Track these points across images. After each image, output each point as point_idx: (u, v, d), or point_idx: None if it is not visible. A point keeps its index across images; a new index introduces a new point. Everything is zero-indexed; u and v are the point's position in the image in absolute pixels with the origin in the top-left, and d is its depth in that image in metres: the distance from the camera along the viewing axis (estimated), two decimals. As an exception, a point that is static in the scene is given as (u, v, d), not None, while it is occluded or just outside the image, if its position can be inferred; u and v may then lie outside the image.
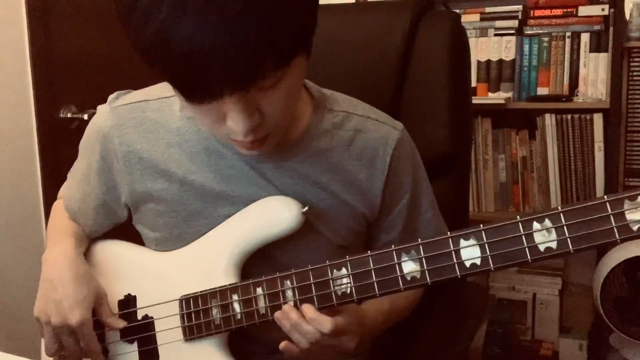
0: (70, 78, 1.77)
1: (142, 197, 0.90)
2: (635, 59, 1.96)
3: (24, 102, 1.67)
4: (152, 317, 0.89)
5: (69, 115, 1.76)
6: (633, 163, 2.00)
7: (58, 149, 1.73)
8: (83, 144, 0.96)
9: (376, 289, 0.75)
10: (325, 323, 0.76)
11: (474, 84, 2.12)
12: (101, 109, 0.92)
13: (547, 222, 0.67)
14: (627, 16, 1.96)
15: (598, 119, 1.99)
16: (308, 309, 0.77)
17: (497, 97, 2.08)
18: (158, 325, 0.89)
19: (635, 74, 1.97)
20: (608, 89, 1.96)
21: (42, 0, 1.68)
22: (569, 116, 2.02)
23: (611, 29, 1.96)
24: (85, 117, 1.75)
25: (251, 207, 0.86)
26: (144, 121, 0.89)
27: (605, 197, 0.64)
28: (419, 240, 0.73)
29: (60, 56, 1.74)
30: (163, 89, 0.91)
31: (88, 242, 0.99)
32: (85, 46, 1.79)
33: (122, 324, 0.90)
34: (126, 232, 0.98)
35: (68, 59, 1.76)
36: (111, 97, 0.93)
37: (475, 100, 2.04)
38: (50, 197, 1.72)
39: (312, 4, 0.71)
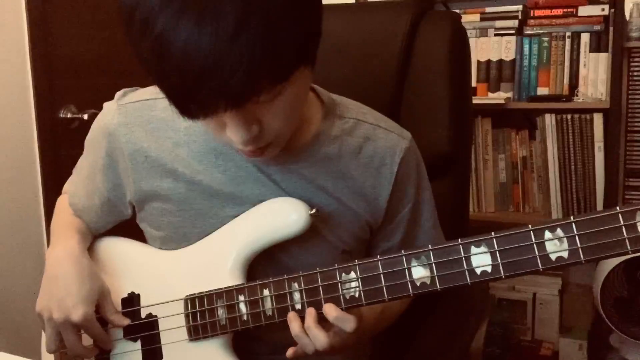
0: (70, 78, 1.77)
1: (147, 196, 0.90)
2: (635, 59, 1.96)
3: (24, 102, 1.67)
4: (156, 316, 0.89)
5: (69, 115, 1.76)
6: (633, 163, 2.00)
7: (58, 149, 1.73)
8: (89, 140, 0.95)
9: (385, 294, 0.75)
10: (350, 321, 0.75)
11: (474, 84, 2.12)
12: (108, 106, 0.92)
13: (559, 232, 0.66)
14: (627, 16, 1.96)
15: (598, 119, 1.99)
16: (330, 308, 0.76)
17: (497, 97, 2.08)
18: (162, 324, 0.89)
19: (635, 74, 1.97)
20: (608, 89, 1.96)
21: (42, 1, 1.68)
22: (569, 116, 2.02)
23: (611, 29, 1.96)
24: (85, 117, 1.75)
25: (258, 207, 0.85)
26: (151, 119, 0.88)
27: (618, 208, 0.64)
28: (429, 245, 0.72)
29: (60, 56, 1.74)
30: None
31: (92, 238, 0.99)
32: (85, 46, 1.80)
33: (125, 321, 0.90)
34: (130, 229, 0.98)
35: (68, 59, 1.77)
36: (118, 94, 0.92)
37: (475, 100, 2.04)
38: (50, 197, 1.72)
39: (312, 17, 0.69)
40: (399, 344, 1.02)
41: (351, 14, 1.25)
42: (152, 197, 0.89)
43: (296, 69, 0.68)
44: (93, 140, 0.94)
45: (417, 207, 0.94)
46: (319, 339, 0.75)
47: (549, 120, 2.04)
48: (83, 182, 0.98)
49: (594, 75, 2.00)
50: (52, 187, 1.72)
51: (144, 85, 0.94)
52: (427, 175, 0.96)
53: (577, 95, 2.01)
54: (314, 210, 0.83)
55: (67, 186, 1.04)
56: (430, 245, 0.72)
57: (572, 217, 0.66)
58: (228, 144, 0.77)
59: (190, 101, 0.66)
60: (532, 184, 2.12)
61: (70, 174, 1.04)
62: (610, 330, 1.86)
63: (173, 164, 0.87)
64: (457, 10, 2.10)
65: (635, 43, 1.94)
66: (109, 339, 0.90)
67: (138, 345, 0.90)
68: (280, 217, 0.84)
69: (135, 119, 0.89)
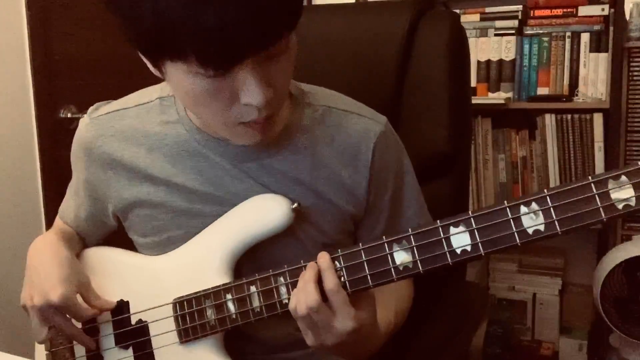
0: (70, 78, 1.77)
1: (129, 204, 0.90)
2: (635, 59, 1.96)
3: (24, 102, 1.67)
4: (146, 322, 0.89)
5: (69, 115, 1.76)
6: (633, 163, 2.00)
7: (58, 149, 1.73)
8: (72, 157, 0.97)
9: (369, 281, 0.75)
10: (333, 278, 0.74)
11: (474, 84, 2.12)
12: (82, 121, 0.93)
13: (534, 206, 0.67)
14: (627, 16, 1.96)
15: (598, 119, 1.99)
16: (324, 257, 0.76)
17: (497, 97, 2.08)
18: (153, 329, 0.88)
19: (635, 74, 1.97)
20: (608, 89, 1.96)
21: (42, 0, 1.68)
22: (569, 116, 2.02)
23: (611, 29, 1.96)
24: (85, 117, 1.75)
25: (241, 206, 0.85)
26: (123, 128, 0.89)
27: (590, 177, 0.65)
28: (409, 230, 0.73)
29: (60, 56, 1.74)
30: (141, 96, 0.92)
31: (79, 241, 0.99)
32: (85, 46, 1.80)
33: (111, 305, 0.89)
34: (122, 241, 0.98)
35: (68, 59, 1.77)
36: (91, 108, 0.94)
37: (475, 100, 2.04)
38: (50, 197, 1.72)
39: None
40: (398, 344, 1.02)
41: (351, 14, 1.25)
42: (134, 205, 0.90)
43: (297, 21, 0.71)
44: (74, 156, 0.96)
45: (398, 194, 0.92)
46: (311, 295, 0.74)
47: (549, 120, 2.04)
48: (72, 198, 1.00)
49: (594, 75, 2.00)
50: (52, 187, 1.73)
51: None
52: (409, 159, 0.94)
53: (577, 95, 2.01)
54: (295, 204, 0.83)
55: (61, 204, 1.05)
56: (410, 229, 0.73)
57: (545, 191, 0.67)
58: (234, 123, 0.76)
59: (222, 51, 0.66)
60: (532, 184, 2.12)
61: (70, 173, 1.05)
62: (610, 330, 1.86)
63: (149, 170, 0.88)
64: (457, 10, 2.09)
65: (635, 43, 1.94)
66: (92, 314, 0.88)
67: (130, 352, 0.90)
68: (264, 213, 0.84)
69: (108, 130, 0.90)
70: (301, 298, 0.75)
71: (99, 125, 0.91)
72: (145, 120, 0.89)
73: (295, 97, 0.89)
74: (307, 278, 0.75)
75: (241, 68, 0.69)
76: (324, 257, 0.76)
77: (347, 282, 0.76)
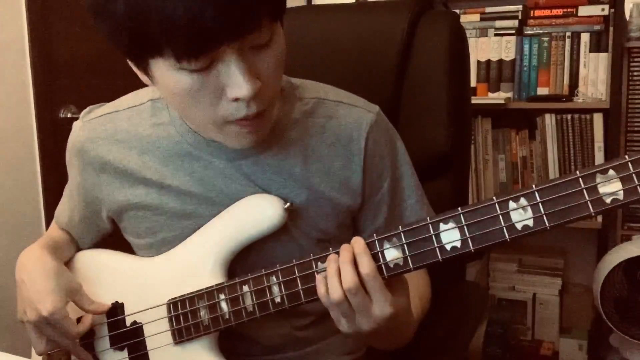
0: (70, 78, 1.78)
1: (123, 207, 0.90)
2: (635, 59, 1.96)
3: (24, 102, 1.67)
4: (140, 323, 0.89)
5: (69, 115, 1.76)
6: (633, 163, 2.00)
7: (58, 149, 1.72)
8: (66, 160, 0.97)
9: None
10: (369, 261, 0.71)
11: (474, 84, 2.13)
12: (75, 124, 0.93)
13: (523, 201, 0.67)
14: (627, 16, 1.96)
15: (598, 119, 1.99)
16: (359, 242, 0.73)
17: (497, 97, 2.08)
18: (147, 330, 0.88)
19: (635, 74, 1.97)
20: (608, 89, 1.96)
21: (42, 1, 1.68)
22: (569, 116, 2.02)
23: (611, 29, 1.96)
24: (85, 117, 1.75)
25: (234, 206, 0.85)
26: (115, 131, 0.89)
27: (578, 172, 0.65)
28: (400, 227, 0.73)
29: (60, 56, 1.74)
30: (133, 99, 0.91)
31: (72, 245, 0.99)
32: (85, 46, 1.80)
33: (105, 308, 0.89)
34: (120, 241, 0.98)
35: (68, 59, 1.77)
36: (84, 112, 0.94)
37: (475, 100, 2.04)
38: (50, 197, 1.72)
39: None
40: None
41: (351, 14, 1.25)
42: (127, 207, 0.90)
43: (284, 13, 0.71)
44: (68, 160, 0.96)
45: (396, 183, 0.91)
46: (350, 277, 0.71)
47: (549, 120, 2.04)
48: (67, 200, 1.00)
49: (594, 75, 2.00)
50: (52, 187, 1.73)
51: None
52: (404, 149, 0.93)
53: (577, 95, 2.02)
54: (288, 204, 0.83)
55: (57, 207, 1.05)
56: (400, 227, 0.73)
57: (534, 186, 0.67)
58: (224, 121, 0.75)
59: (194, 36, 0.65)
60: (532, 184, 2.12)
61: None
62: (610, 330, 1.86)
63: (141, 172, 0.87)
64: (457, 10, 2.10)
65: (635, 43, 1.94)
66: (78, 333, 0.87)
67: (125, 353, 0.89)
68: (256, 214, 0.84)
69: (100, 133, 0.90)
70: (335, 282, 0.72)
71: (91, 129, 0.91)
72: (137, 123, 0.89)
73: (286, 91, 0.88)
74: (343, 260, 0.72)
75: (223, 60, 0.68)
76: (358, 242, 0.73)
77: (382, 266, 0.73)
